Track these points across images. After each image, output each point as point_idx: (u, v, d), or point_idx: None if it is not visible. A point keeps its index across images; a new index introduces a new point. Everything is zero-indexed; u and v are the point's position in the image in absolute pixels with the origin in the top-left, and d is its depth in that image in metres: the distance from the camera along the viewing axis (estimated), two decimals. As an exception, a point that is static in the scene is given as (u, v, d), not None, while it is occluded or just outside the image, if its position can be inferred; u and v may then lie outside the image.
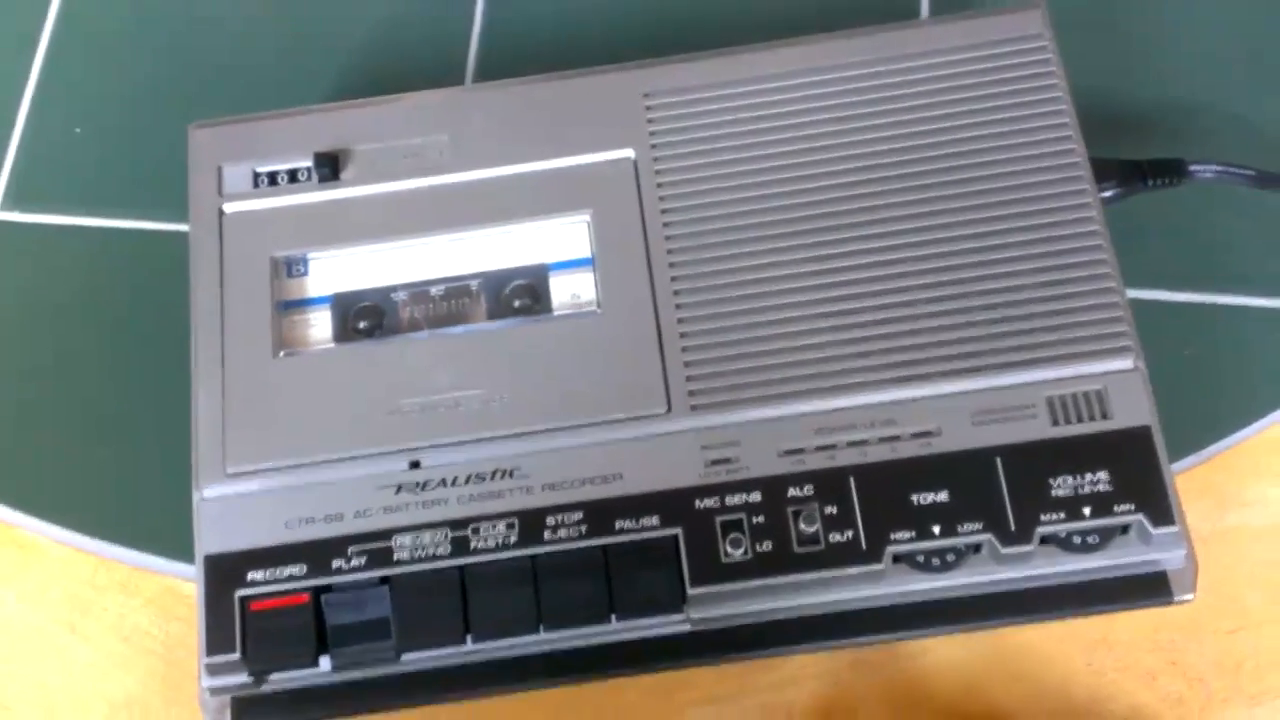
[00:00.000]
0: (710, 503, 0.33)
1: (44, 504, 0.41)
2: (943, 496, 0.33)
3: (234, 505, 0.34)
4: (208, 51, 0.46)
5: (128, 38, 0.47)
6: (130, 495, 0.41)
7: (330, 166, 0.37)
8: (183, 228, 0.43)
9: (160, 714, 0.38)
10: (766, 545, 0.33)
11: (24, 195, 0.45)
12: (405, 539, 0.33)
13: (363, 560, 0.33)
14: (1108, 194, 0.38)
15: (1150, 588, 0.33)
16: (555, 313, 0.36)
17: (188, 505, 0.35)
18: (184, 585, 0.40)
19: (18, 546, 0.40)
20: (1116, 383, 0.34)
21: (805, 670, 0.37)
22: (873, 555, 0.33)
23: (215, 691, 0.33)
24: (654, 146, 0.37)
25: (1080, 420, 0.34)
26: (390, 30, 0.46)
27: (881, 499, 0.33)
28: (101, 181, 0.45)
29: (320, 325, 0.37)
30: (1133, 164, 0.40)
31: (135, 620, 0.39)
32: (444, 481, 0.34)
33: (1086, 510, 0.33)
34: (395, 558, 0.33)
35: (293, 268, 0.37)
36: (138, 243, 0.44)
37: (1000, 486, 0.33)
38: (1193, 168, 0.40)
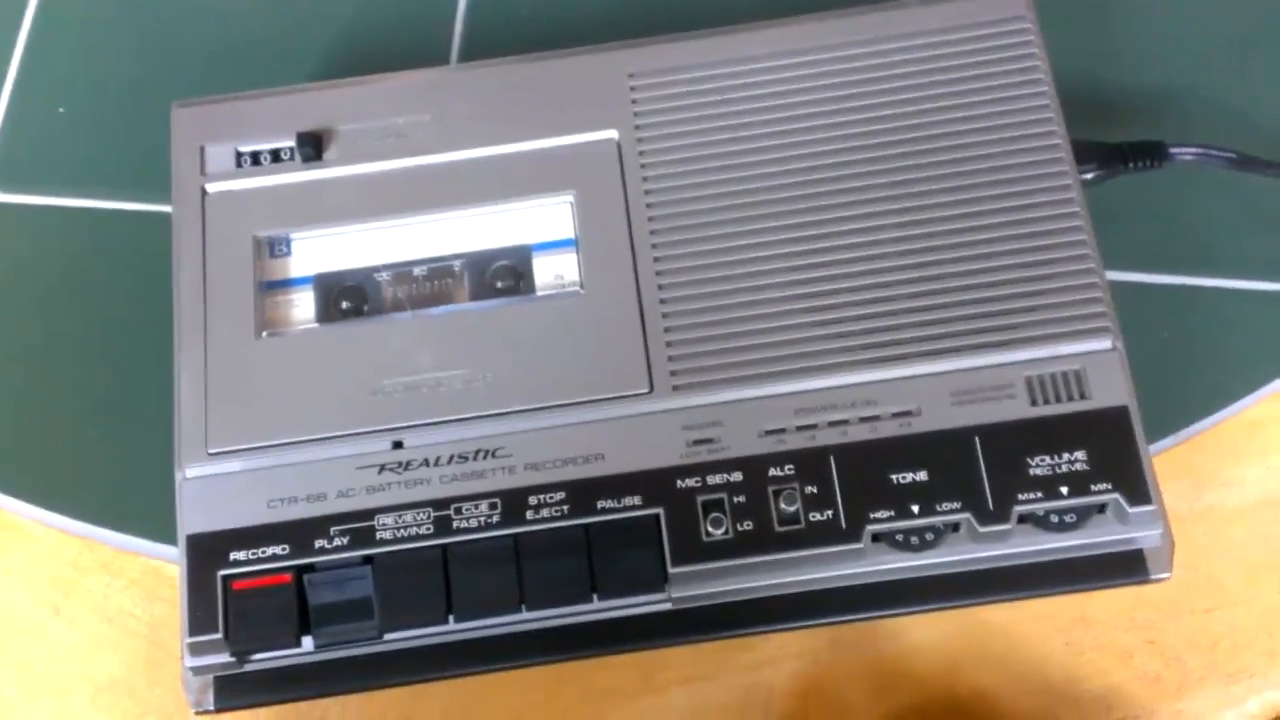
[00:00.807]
0: (692, 482, 0.34)
1: (27, 485, 0.41)
2: (922, 476, 0.33)
3: (216, 485, 0.34)
4: (191, 31, 0.46)
5: (111, 17, 0.46)
6: (114, 477, 0.40)
7: (313, 146, 0.37)
8: (166, 208, 0.43)
9: (144, 695, 0.38)
10: (747, 524, 0.33)
11: (7, 176, 0.45)
12: (388, 519, 0.33)
13: (345, 540, 0.33)
14: (1088, 176, 0.39)
15: (1127, 566, 0.34)
16: (538, 293, 0.36)
17: (172, 487, 0.35)
18: (168, 567, 0.40)
19: (1, 528, 0.40)
20: (1095, 363, 0.34)
21: (785, 649, 0.37)
22: (852, 534, 0.33)
23: (198, 671, 0.33)
24: (638, 127, 0.37)
25: (1059, 400, 0.34)
26: (375, 10, 0.46)
27: (861, 478, 0.33)
28: (85, 162, 0.45)
29: (303, 305, 0.37)
30: (1113, 146, 0.40)
31: (119, 602, 0.39)
32: (426, 461, 0.34)
33: (1064, 489, 0.33)
34: (378, 537, 0.33)
35: (275, 248, 0.37)
36: (122, 223, 0.44)
37: (979, 466, 0.33)
38: (1173, 150, 0.40)
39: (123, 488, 0.40)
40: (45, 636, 0.39)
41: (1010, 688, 0.37)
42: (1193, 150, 0.40)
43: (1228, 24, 0.44)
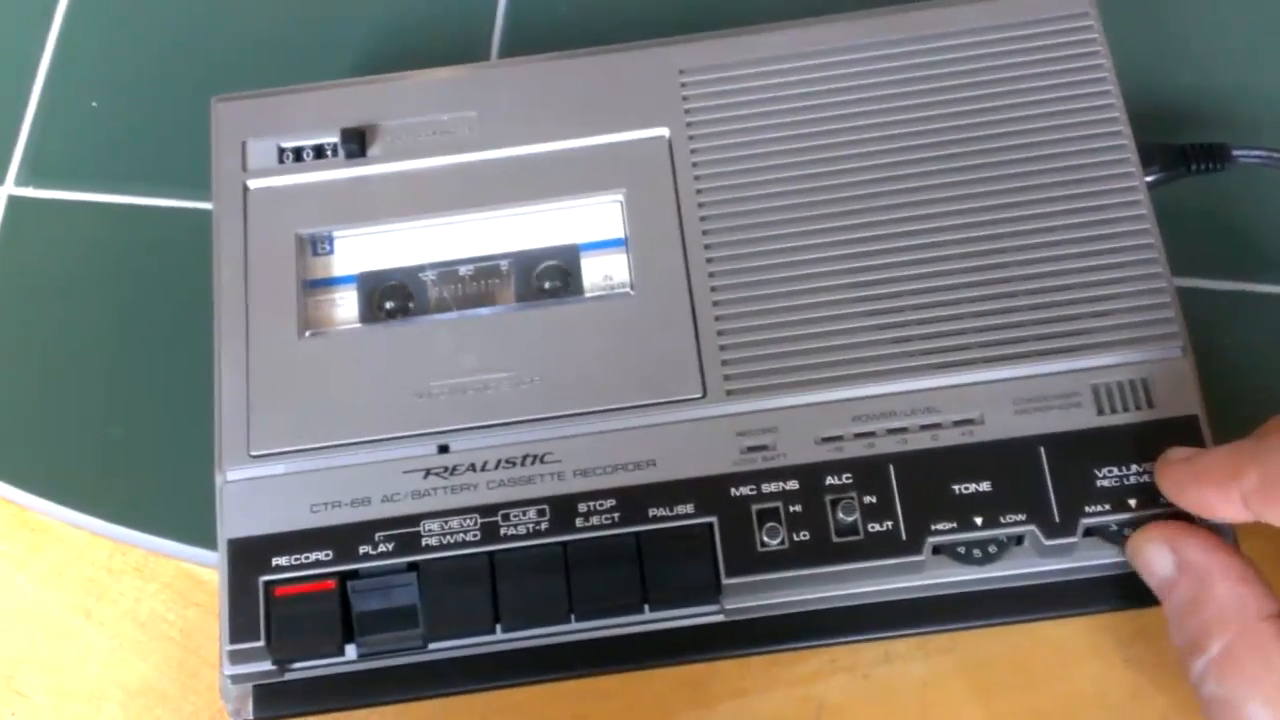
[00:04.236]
0: (746, 490, 0.33)
1: (59, 486, 0.40)
2: (985, 486, 0.32)
3: (258, 488, 0.33)
4: (226, 24, 0.45)
5: (145, 10, 0.46)
6: (146, 478, 0.40)
7: (357, 142, 0.36)
8: (199, 205, 0.43)
9: (177, 702, 0.37)
10: (804, 535, 0.32)
11: (39, 171, 0.44)
12: (434, 525, 0.33)
13: (390, 546, 0.32)
14: (1150, 179, 0.38)
15: (1195, 581, 0.32)
16: (587, 294, 0.35)
17: (205, 489, 0.34)
18: (201, 571, 0.39)
19: (31, 530, 0.40)
20: (1163, 371, 0.33)
21: (836, 663, 0.36)
22: (913, 546, 0.32)
23: (237, 680, 0.32)
24: (689, 125, 0.36)
25: (1126, 409, 0.33)
26: (412, 4, 0.45)
27: (922, 488, 0.32)
28: (117, 157, 0.44)
29: (346, 305, 0.36)
30: (1176, 148, 0.39)
31: (151, 605, 0.39)
32: (473, 466, 0.33)
33: (1133, 502, 0.32)
34: (423, 544, 0.32)
35: (318, 246, 0.36)
36: (154, 220, 0.43)
37: (1044, 477, 0.32)
38: (1236, 153, 0.39)
39: (156, 489, 0.39)
40: (76, 641, 0.38)
41: (1068, 704, 0.35)
42: (1257, 153, 0.39)
43: (1288, 25, 0.43)
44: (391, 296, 0.36)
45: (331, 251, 0.36)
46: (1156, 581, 0.31)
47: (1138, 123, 0.36)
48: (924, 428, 0.33)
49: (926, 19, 0.37)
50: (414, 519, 0.33)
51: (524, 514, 0.33)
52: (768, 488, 0.33)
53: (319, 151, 0.37)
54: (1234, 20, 0.43)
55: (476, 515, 0.33)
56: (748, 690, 0.36)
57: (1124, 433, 0.33)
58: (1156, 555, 0.31)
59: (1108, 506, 0.32)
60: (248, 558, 0.32)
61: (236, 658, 0.32)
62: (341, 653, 0.32)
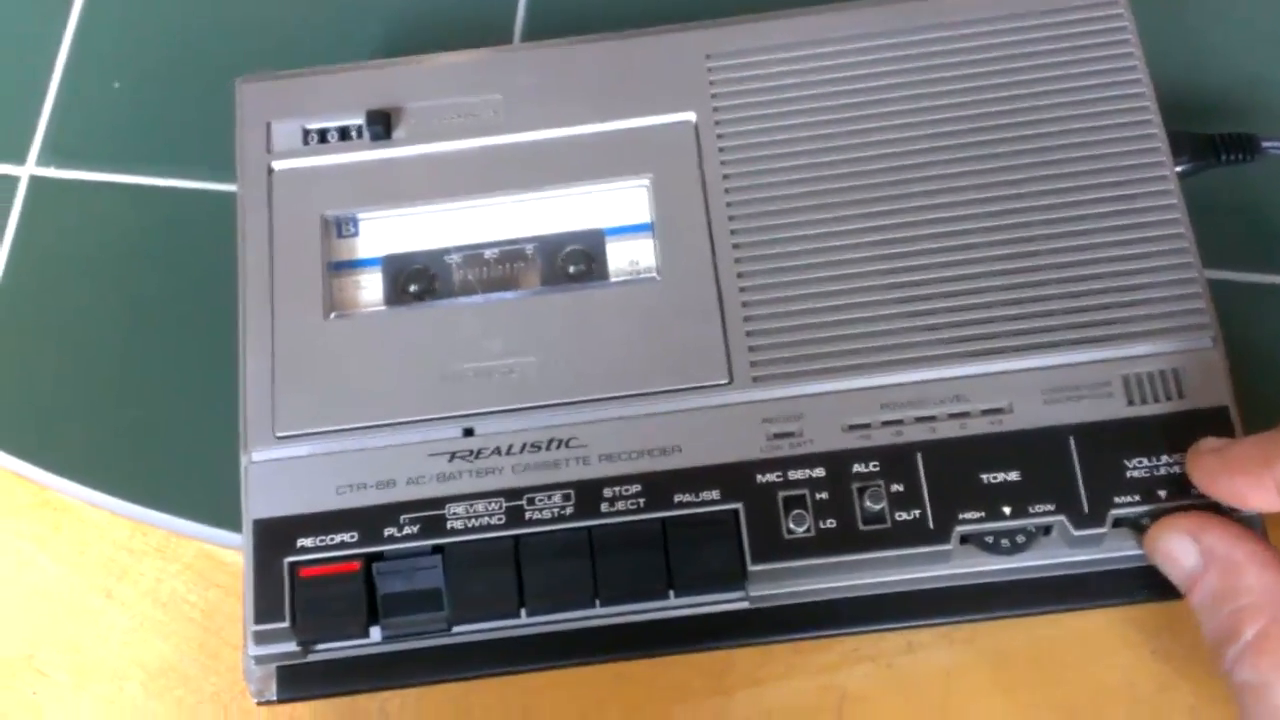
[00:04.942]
0: (772, 477, 0.32)
1: (80, 466, 0.40)
2: (1013, 476, 0.32)
3: (283, 469, 0.33)
4: (248, 5, 0.45)
5: (168, -9, 0.46)
6: (168, 458, 0.40)
7: (382, 124, 0.36)
8: (221, 186, 0.43)
9: (198, 682, 0.37)
10: (830, 522, 0.32)
11: (60, 151, 0.44)
12: (459, 508, 0.32)
13: (415, 529, 0.32)
14: (1180, 168, 0.37)
15: (1224, 574, 0.32)
16: (612, 279, 0.35)
17: (227, 470, 0.34)
18: (222, 552, 0.39)
19: (53, 509, 0.40)
20: (1193, 362, 0.33)
21: (859, 651, 0.36)
22: (940, 535, 0.32)
23: (261, 660, 0.32)
24: (716, 110, 0.36)
25: (1156, 400, 0.33)
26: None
27: (950, 477, 0.32)
28: (139, 138, 0.44)
29: (371, 287, 0.36)
30: (1205, 138, 0.38)
31: (173, 586, 0.39)
32: (498, 450, 0.33)
33: (1163, 493, 0.32)
34: (448, 526, 0.32)
35: (343, 228, 0.36)
36: (175, 200, 0.43)
37: (1074, 467, 0.32)
38: (1266, 144, 0.39)
39: (177, 470, 0.39)
40: (98, 621, 0.38)
41: (1094, 695, 0.35)
42: (1287, 144, 0.39)
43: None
44: (416, 279, 0.36)
45: (356, 233, 0.36)
46: (1181, 574, 0.31)
47: (1166, 113, 0.36)
48: (952, 416, 0.33)
49: (956, 5, 0.37)
50: (439, 502, 0.32)
51: (549, 498, 0.33)
52: (794, 475, 0.32)
53: (344, 133, 0.37)
54: (1262, 11, 0.43)
55: (501, 499, 0.32)
56: (769, 678, 0.36)
57: (1154, 423, 0.32)
58: (1179, 546, 0.31)
59: (1137, 497, 0.32)
60: (273, 538, 0.32)
61: (261, 638, 0.32)
62: (366, 634, 0.32)
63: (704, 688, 0.36)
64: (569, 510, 0.32)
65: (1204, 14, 0.43)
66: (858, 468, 0.32)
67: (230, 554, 0.38)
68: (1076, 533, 0.32)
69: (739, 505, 0.32)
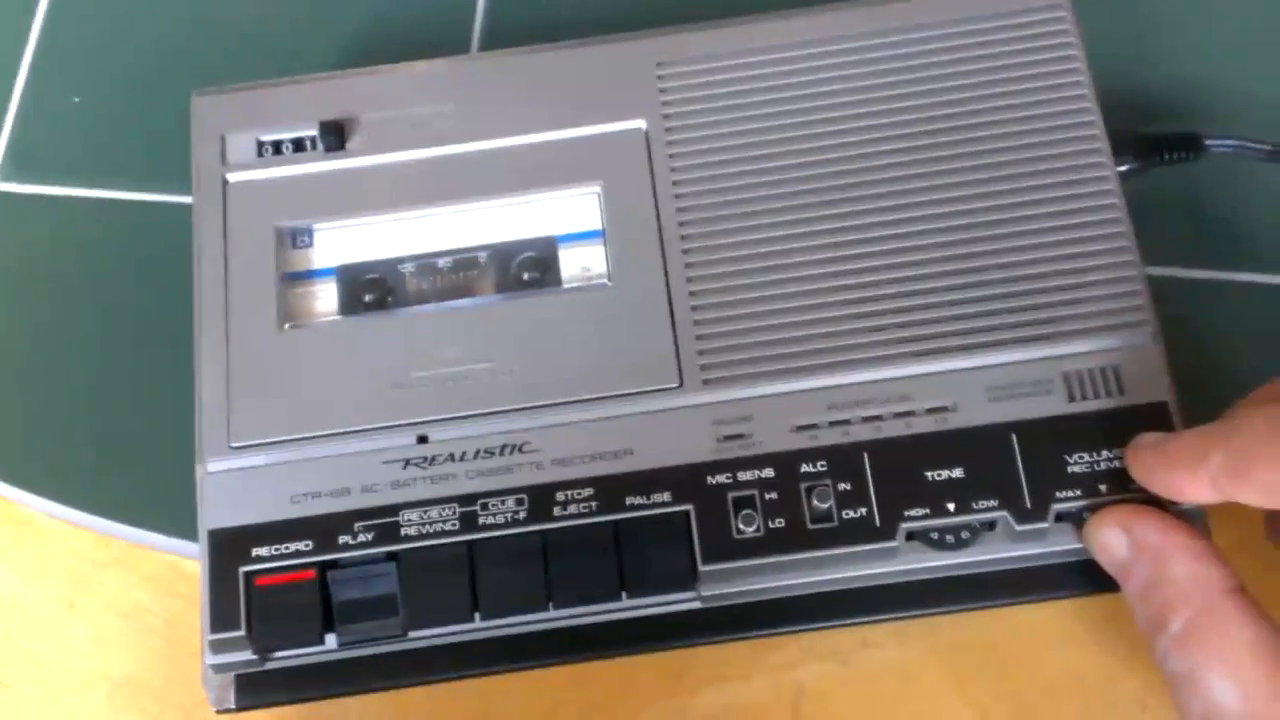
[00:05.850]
0: (722, 479, 0.33)
1: (41, 479, 0.40)
2: (958, 473, 0.33)
3: (238, 479, 0.33)
4: (209, 19, 0.45)
5: (128, 3, 0.46)
6: (129, 470, 0.40)
7: (336, 135, 0.37)
8: (182, 199, 0.43)
9: (161, 692, 0.38)
10: (779, 522, 0.33)
11: (21, 165, 0.44)
12: (413, 514, 0.33)
13: (370, 536, 0.33)
14: (1123, 168, 0.38)
15: (1166, 566, 0.33)
16: (565, 285, 0.36)
17: (188, 481, 0.35)
18: (184, 562, 0.39)
19: (15, 522, 0.40)
20: (1133, 358, 0.34)
21: (814, 649, 0.37)
22: (886, 532, 0.32)
23: (219, 669, 0.33)
24: (666, 117, 0.37)
25: (1096, 396, 0.33)
26: (393, -1, 0.45)
27: (896, 475, 0.33)
28: (100, 152, 0.44)
29: (326, 297, 0.36)
30: (1149, 137, 0.39)
31: (135, 597, 0.39)
32: (452, 456, 0.33)
33: (1103, 488, 0.32)
34: (403, 533, 0.33)
35: (297, 238, 0.37)
36: (137, 214, 0.43)
37: (1016, 463, 0.33)
38: (1209, 142, 0.39)
39: (138, 481, 0.40)
40: (60, 632, 0.38)
41: (1042, 688, 0.36)
42: (1229, 142, 0.39)
43: (1261, 16, 0.43)
44: (371, 289, 0.36)
45: (311, 244, 0.37)
46: (1114, 565, 0.31)
47: (1111, 113, 0.37)
48: (898, 415, 0.33)
49: (901, 11, 0.37)
50: (393, 509, 0.33)
51: (502, 503, 0.33)
52: (744, 476, 0.33)
53: (298, 145, 0.37)
54: (1206, 11, 0.43)
55: (455, 505, 0.33)
56: (727, 677, 0.37)
57: (1095, 419, 0.33)
58: (1111, 538, 0.31)
59: (1079, 492, 0.32)
60: (228, 548, 0.33)
61: (218, 647, 0.32)
62: (322, 641, 0.32)
63: (663, 688, 0.37)
64: (522, 515, 0.33)
65: (1152, 16, 0.43)
66: (806, 467, 0.33)
67: (192, 564, 0.39)
68: (1019, 527, 0.32)
69: (690, 507, 0.33)
